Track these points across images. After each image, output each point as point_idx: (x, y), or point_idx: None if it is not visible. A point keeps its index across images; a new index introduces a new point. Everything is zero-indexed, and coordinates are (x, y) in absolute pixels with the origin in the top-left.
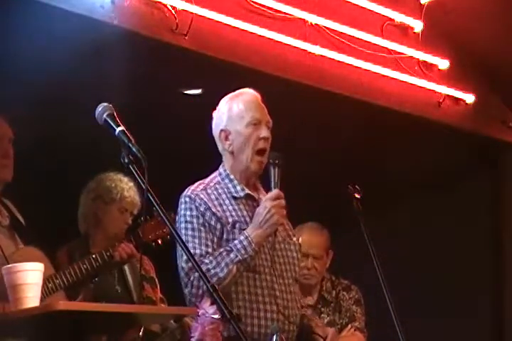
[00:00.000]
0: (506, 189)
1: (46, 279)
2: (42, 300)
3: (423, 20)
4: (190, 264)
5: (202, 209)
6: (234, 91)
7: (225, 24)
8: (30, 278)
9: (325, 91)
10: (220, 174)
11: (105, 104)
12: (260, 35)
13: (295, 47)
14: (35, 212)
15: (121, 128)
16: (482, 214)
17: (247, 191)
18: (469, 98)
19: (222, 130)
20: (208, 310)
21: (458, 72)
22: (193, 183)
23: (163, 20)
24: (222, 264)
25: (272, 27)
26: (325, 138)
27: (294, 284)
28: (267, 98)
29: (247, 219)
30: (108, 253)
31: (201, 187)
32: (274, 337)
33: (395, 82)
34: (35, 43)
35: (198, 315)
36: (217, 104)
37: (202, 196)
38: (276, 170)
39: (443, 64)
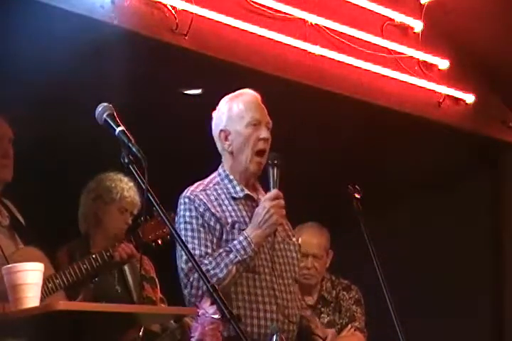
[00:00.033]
0: (506, 189)
1: (46, 279)
2: (42, 300)
3: (423, 20)
4: (189, 265)
5: (201, 209)
6: (234, 91)
7: (225, 24)
8: (30, 278)
9: (325, 91)
10: (219, 174)
11: (105, 104)
12: (260, 35)
13: (295, 47)
14: (35, 212)
15: (121, 128)
16: (482, 214)
17: (247, 191)
18: (469, 98)
19: (221, 130)
20: (208, 310)
21: (458, 72)
22: (192, 183)
23: (163, 20)
24: (222, 265)
25: (272, 27)
26: (325, 138)
27: (294, 284)
28: (267, 98)
29: (247, 219)
30: (108, 254)
31: (200, 187)
32: (274, 337)
33: (395, 82)
34: (35, 43)
35: (198, 315)
36: (217, 104)
37: (201, 197)
38: (275, 170)
39: (443, 64)
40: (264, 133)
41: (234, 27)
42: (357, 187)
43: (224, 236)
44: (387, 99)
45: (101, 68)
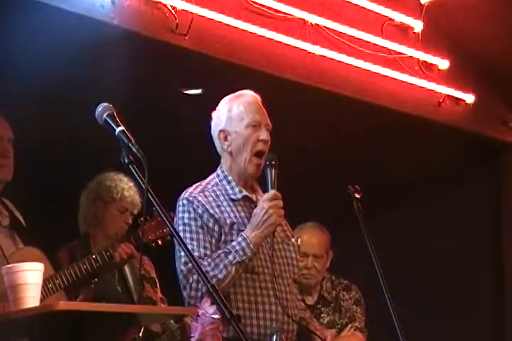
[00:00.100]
0: (506, 189)
1: (46, 279)
2: (42, 300)
3: (423, 20)
4: (188, 266)
5: (200, 211)
6: (234, 91)
7: (225, 24)
8: (30, 278)
9: (325, 91)
10: (217, 175)
11: (105, 104)
12: (260, 35)
13: (295, 47)
14: (35, 212)
15: (121, 128)
16: (482, 214)
17: (245, 193)
18: (469, 98)
19: (221, 130)
20: (208, 310)
21: (458, 72)
22: (192, 183)
23: (163, 20)
24: (221, 266)
25: (272, 27)
26: (325, 138)
27: (293, 284)
28: (266, 98)
29: (245, 220)
30: (108, 254)
31: (199, 189)
32: (274, 337)
33: (395, 82)
34: (35, 43)
35: (198, 315)
36: (217, 104)
37: (200, 198)
38: (273, 170)
39: (443, 64)
40: (263, 135)
41: (234, 27)
42: (357, 187)
43: (223, 238)
44: (387, 99)
45: (101, 68)
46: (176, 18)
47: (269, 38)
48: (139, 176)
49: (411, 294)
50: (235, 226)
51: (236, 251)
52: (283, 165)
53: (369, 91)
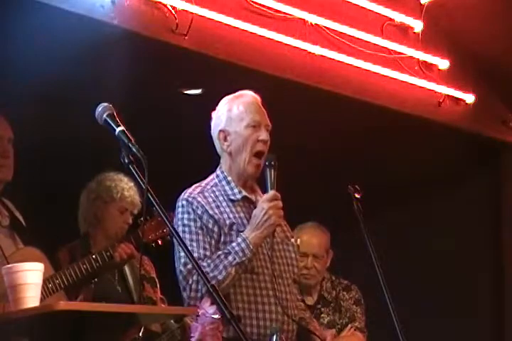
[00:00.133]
0: (506, 189)
1: (46, 279)
2: (42, 300)
3: (423, 20)
4: (188, 268)
5: (199, 212)
6: (234, 91)
7: (225, 24)
8: (30, 278)
9: (325, 91)
10: (217, 176)
11: (105, 104)
12: (260, 35)
13: (295, 47)
14: (35, 212)
15: (121, 128)
16: (482, 214)
17: (244, 193)
18: (469, 98)
19: (221, 130)
20: (208, 310)
21: (458, 72)
22: (192, 184)
23: (163, 20)
24: (221, 267)
25: (272, 27)
26: (325, 138)
27: (293, 285)
28: (266, 98)
29: (245, 221)
30: (108, 254)
31: (198, 190)
32: (274, 337)
33: (395, 82)
34: (35, 43)
35: (198, 315)
36: (217, 104)
37: (199, 199)
38: (272, 171)
39: (443, 64)
40: (263, 135)
41: (234, 27)
42: (357, 187)
43: (222, 238)
44: (387, 99)
45: (101, 68)
46: (175, 18)
47: (269, 38)
48: (139, 176)
49: (411, 294)
50: (235, 227)
51: (236, 252)
52: (283, 165)
53: (369, 92)
